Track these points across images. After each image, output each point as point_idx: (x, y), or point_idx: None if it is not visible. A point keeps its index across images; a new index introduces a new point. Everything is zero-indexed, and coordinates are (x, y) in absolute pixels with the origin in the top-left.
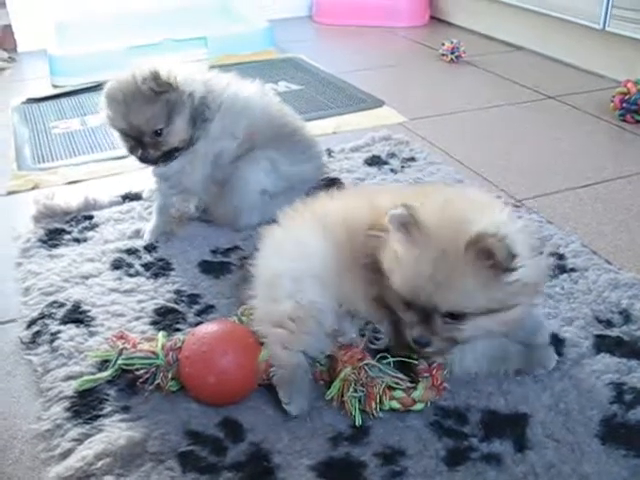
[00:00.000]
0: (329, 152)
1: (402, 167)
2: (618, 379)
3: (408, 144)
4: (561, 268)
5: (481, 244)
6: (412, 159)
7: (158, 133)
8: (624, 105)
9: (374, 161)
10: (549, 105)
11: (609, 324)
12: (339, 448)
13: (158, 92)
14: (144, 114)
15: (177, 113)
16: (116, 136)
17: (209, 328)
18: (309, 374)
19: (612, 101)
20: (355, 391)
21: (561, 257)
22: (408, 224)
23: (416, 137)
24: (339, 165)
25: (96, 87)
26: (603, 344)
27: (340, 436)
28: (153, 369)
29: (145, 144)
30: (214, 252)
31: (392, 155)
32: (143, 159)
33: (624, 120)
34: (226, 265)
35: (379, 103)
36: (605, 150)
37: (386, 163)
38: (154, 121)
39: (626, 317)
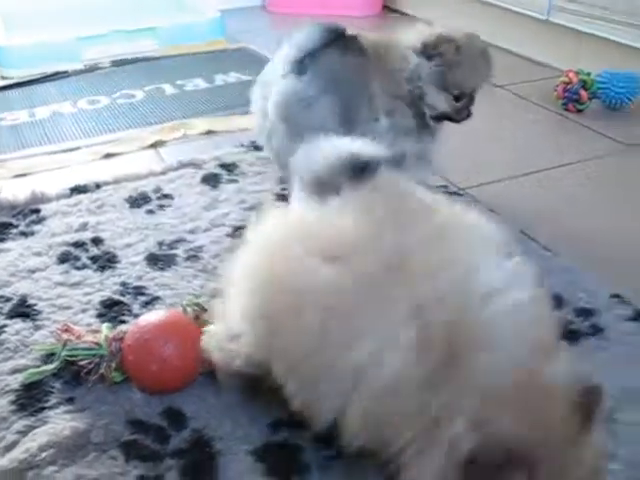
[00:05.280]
0: None
1: None
2: None
3: None
4: None
5: None
6: None
7: None
8: (566, 94)
9: None
10: (497, 94)
11: None
12: (279, 433)
13: None
14: None
15: None
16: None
17: (152, 317)
18: None
19: (555, 90)
20: None
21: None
22: None
23: None
24: None
25: (45, 78)
26: None
27: (280, 422)
28: (97, 360)
29: None
30: (161, 244)
31: None
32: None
33: (567, 109)
34: (172, 257)
35: None
36: (548, 139)
37: None
38: None
39: (559, 301)
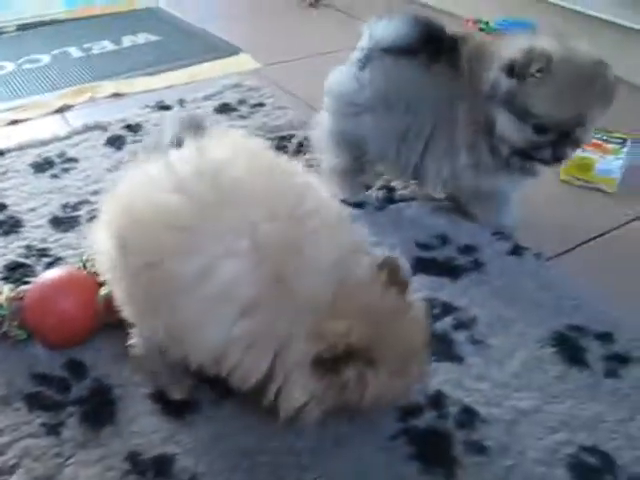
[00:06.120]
0: (181, 102)
1: (250, 113)
2: (430, 295)
3: (259, 90)
4: (390, 200)
5: None
6: (261, 105)
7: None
8: None
9: (224, 109)
10: None
11: (427, 247)
12: None
13: None
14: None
15: None
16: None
17: (50, 274)
18: None
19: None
20: None
21: (391, 189)
22: None
23: (268, 83)
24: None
25: None
26: (421, 265)
27: None
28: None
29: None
30: (64, 207)
31: (242, 102)
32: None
33: None
34: (75, 219)
35: (235, 50)
36: None
37: (235, 110)
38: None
39: (444, 240)
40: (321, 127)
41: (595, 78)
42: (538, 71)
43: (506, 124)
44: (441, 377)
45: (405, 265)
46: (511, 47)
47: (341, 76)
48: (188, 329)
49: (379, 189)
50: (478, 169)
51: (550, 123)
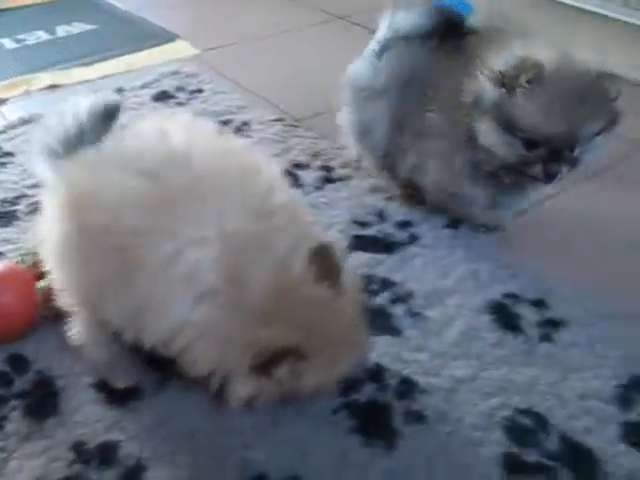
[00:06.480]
0: (119, 91)
1: (189, 100)
2: (368, 272)
3: (197, 76)
4: (328, 179)
5: None
6: (199, 91)
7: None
8: None
9: (161, 96)
10: (338, 25)
11: (365, 225)
12: None
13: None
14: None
15: None
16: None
17: None
18: None
19: None
20: None
21: (329, 169)
22: None
23: (207, 69)
24: (128, 103)
25: None
26: (359, 243)
27: None
28: None
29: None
30: (2, 202)
31: (180, 89)
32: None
33: None
34: (13, 213)
35: (173, 37)
36: None
37: (173, 97)
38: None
39: (381, 217)
40: (345, 123)
41: (592, 92)
42: (528, 82)
43: (492, 136)
44: (380, 350)
45: (340, 246)
46: (502, 54)
47: (358, 67)
48: (150, 309)
49: (317, 169)
50: (460, 176)
51: (539, 137)
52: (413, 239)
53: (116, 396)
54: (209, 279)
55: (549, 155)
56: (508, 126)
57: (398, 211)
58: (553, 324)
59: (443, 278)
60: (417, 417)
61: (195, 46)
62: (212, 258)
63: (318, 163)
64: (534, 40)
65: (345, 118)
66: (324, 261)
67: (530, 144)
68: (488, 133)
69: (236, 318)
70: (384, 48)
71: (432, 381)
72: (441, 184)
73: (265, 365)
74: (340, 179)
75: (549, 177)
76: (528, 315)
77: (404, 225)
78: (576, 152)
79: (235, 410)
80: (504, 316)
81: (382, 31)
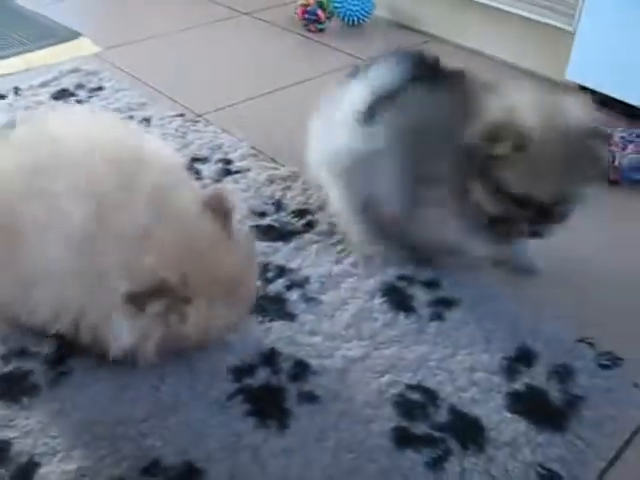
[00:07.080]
0: (16, 90)
1: (89, 97)
2: (265, 260)
3: (98, 74)
4: (227, 172)
5: None
6: (100, 88)
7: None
8: (306, 16)
9: (61, 95)
10: (243, 22)
11: (263, 215)
12: (8, 365)
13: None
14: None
15: None
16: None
17: None
18: None
19: (296, 13)
20: None
21: (228, 162)
22: None
23: (108, 66)
24: (26, 102)
25: None
26: (258, 232)
27: (11, 353)
28: None
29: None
30: None
31: (80, 86)
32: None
33: (309, 30)
34: None
35: (74, 35)
36: (289, 60)
37: (73, 95)
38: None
39: (278, 206)
40: (339, 206)
41: (579, 153)
42: (512, 149)
43: (480, 193)
44: (275, 336)
45: (231, 196)
46: (489, 110)
47: (338, 144)
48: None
49: (217, 162)
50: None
51: (526, 201)
52: (309, 226)
53: (9, 393)
54: (72, 227)
55: (536, 214)
56: (495, 188)
57: (294, 200)
58: (445, 303)
59: (338, 263)
60: (310, 397)
61: (97, 44)
62: (76, 206)
63: (217, 156)
64: (517, 86)
65: (336, 199)
66: (216, 204)
67: (517, 205)
68: (477, 189)
69: (104, 256)
70: (371, 112)
71: (325, 363)
72: (438, 232)
73: (142, 298)
74: (239, 171)
75: (535, 235)
76: (421, 295)
77: (301, 213)
78: (563, 209)
79: (130, 399)
80: (397, 297)
81: (356, 98)
